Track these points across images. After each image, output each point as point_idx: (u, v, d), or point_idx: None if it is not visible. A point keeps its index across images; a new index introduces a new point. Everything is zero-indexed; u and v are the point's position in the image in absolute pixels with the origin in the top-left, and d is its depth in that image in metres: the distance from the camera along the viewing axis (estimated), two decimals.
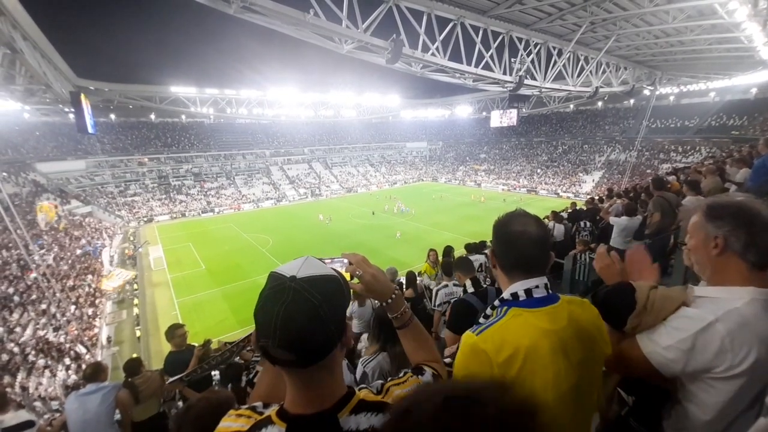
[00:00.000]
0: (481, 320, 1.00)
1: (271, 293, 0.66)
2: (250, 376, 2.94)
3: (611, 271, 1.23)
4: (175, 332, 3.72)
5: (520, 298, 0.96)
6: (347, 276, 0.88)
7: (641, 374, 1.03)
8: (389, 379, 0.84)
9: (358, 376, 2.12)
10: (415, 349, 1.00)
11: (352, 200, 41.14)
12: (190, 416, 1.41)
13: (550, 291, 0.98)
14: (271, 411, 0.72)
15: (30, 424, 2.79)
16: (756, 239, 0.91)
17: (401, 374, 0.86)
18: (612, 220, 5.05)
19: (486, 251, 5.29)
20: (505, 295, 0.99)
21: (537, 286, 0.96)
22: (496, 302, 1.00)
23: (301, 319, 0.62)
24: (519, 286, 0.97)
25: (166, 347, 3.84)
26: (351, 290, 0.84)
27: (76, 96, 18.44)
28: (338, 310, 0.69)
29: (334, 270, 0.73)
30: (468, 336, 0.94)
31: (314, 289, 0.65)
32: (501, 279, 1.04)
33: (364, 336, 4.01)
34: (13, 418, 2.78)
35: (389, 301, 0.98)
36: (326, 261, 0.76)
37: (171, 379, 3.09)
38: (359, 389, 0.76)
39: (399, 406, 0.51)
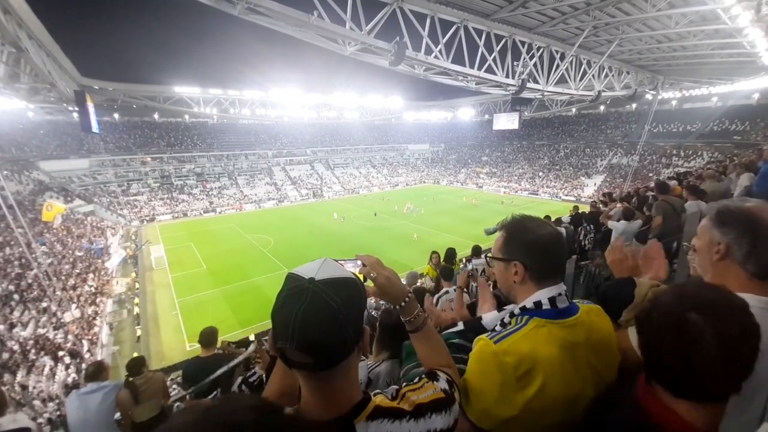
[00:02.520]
0: (498, 328, 0.96)
1: (289, 295, 0.64)
2: (248, 376, 2.87)
3: (623, 265, 1.25)
4: (217, 335, 3.51)
5: (544, 307, 0.92)
6: (361, 278, 0.87)
7: (629, 366, 1.04)
8: (404, 384, 0.82)
9: (362, 382, 2.03)
10: (429, 354, 0.97)
11: (353, 201, 41.16)
12: None
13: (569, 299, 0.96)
14: None
15: (26, 431, 2.72)
16: (758, 250, 0.91)
17: (416, 380, 0.84)
18: (610, 224, 5.05)
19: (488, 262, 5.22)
20: (527, 303, 0.95)
21: (560, 294, 0.93)
22: (516, 310, 0.97)
23: (320, 321, 0.61)
24: (544, 294, 0.93)
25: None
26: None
27: (80, 95, 18.58)
28: (356, 314, 0.67)
29: (352, 273, 0.72)
30: (485, 343, 0.89)
31: (333, 291, 0.64)
32: (526, 290, 0.97)
33: None
34: (10, 422, 2.65)
35: (402, 304, 0.95)
36: (340, 262, 0.76)
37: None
38: (374, 395, 0.75)
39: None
